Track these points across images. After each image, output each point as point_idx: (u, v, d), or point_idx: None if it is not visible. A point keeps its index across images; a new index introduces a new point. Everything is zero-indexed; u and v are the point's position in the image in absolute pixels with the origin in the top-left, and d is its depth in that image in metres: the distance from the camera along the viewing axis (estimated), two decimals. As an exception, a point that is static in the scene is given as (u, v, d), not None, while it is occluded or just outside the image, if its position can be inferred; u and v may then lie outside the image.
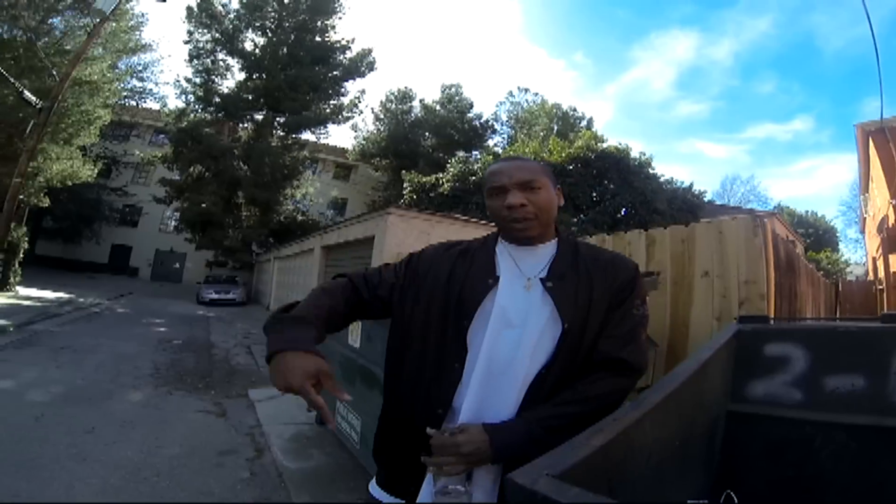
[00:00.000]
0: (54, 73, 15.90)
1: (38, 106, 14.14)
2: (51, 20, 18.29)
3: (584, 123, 33.38)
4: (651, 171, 18.76)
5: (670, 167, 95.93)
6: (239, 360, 8.08)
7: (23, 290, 14.34)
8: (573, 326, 1.11)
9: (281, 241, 22.76)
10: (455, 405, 1.12)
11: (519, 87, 46.13)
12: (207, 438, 4.20)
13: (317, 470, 3.69)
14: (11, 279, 14.26)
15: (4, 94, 16.24)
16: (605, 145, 19.14)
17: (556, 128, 31.65)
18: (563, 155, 18.58)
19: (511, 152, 20.77)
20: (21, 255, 15.14)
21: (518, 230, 1.19)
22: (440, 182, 19.64)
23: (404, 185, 21.31)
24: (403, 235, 8.75)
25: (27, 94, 13.98)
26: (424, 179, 20.31)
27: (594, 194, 18.18)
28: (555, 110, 33.50)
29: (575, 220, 16.99)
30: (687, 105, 79.71)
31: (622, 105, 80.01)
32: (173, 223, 31.64)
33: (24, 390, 5.03)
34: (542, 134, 29.18)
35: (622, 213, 17.80)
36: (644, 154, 19.00)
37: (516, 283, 1.18)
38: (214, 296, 20.12)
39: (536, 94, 36.22)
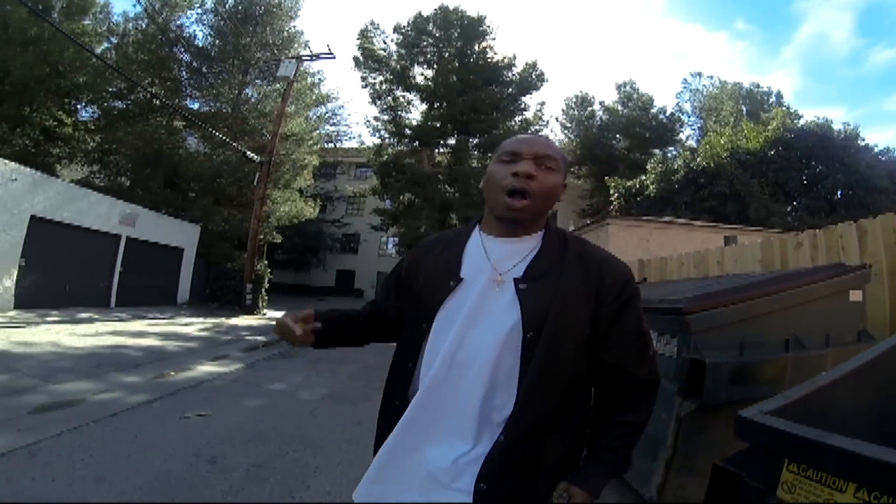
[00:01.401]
0: (265, 132, 19.56)
1: (259, 161, 16.94)
2: (245, 90, 23.17)
3: (772, 99, 29.99)
4: (861, 143, 16.56)
5: (884, 133, 78.12)
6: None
7: (270, 313, 17.64)
8: (538, 336, 1.02)
9: None
10: (410, 401, 1.10)
11: (691, 73, 43.63)
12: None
13: None
14: (260, 304, 17.94)
15: (227, 154, 20.82)
16: (801, 122, 17.52)
17: (744, 109, 29.01)
18: (761, 140, 17.32)
19: (707, 146, 19.70)
20: (266, 284, 18.89)
21: (511, 202, 1.09)
22: (644, 185, 19.46)
23: (610, 191, 21.37)
24: (624, 244, 8.90)
25: (249, 153, 17.19)
26: (629, 184, 20.23)
27: (803, 178, 16.62)
28: (737, 90, 30.70)
29: (788, 209, 15.76)
30: (879, 52, 65.67)
31: (806, 68, 69.53)
32: (392, 247, 35.23)
33: (295, 391, 6.08)
34: (731, 119, 26.98)
35: (838, 195, 16.03)
36: (848, 125, 16.89)
37: (484, 281, 1.10)
38: None
39: (712, 77, 33.67)
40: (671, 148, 30.86)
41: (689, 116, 33.74)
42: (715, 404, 2.10)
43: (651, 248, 8.68)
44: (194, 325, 12.48)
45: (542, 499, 1.06)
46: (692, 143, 30.16)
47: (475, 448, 1.03)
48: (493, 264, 1.11)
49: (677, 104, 34.46)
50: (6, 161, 11.72)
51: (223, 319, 14.49)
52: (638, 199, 19.61)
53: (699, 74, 35.03)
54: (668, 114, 32.43)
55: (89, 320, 11.38)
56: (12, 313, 10.86)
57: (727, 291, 2.59)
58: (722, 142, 18.52)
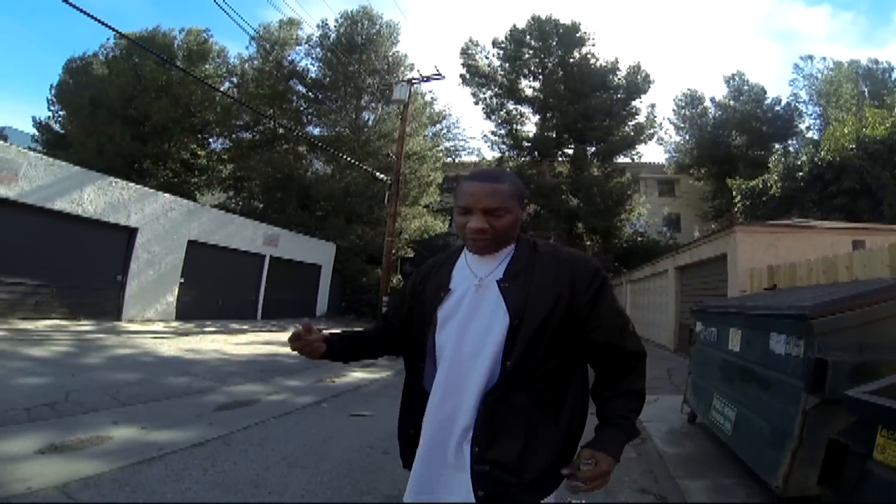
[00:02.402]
0: (388, 153, 20.42)
1: (387, 180, 17.81)
2: (362, 114, 24.69)
3: (895, 75, 26.66)
4: None
5: None
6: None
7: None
8: (521, 322, 1.20)
9: (626, 264, 23.72)
10: (427, 391, 1.31)
11: (801, 57, 38.95)
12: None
13: (689, 455, 4.31)
14: None
15: (354, 175, 22.27)
16: None
17: (865, 90, 26.09)
18: (888, 125, 15.54)
19: (830, 138, 18.20)
20: None
21: (476, 248, 1.30)
22: (768, 184, 18.43)
23: (732, 192, 20.51)
24: (752, 250, 8.90)
25: (377, 174, 18.37)
26: (751, 184, 19.26)
27: None
28: (854, 70, 27.55)
29: None
30: None
31: None
32: None
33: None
34: (853, 102, 24.46)
35: None
36: None
37: (468, 286, 1.30)
38: None
39: (825, 59, 30.21)
40: (792, 141, 28.52)
41: (807, 105, 30.86)
42: (836, 399, 2.36)
43: (780, 254, 8.46)
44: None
45: (536, 473, 1.20)
46: (813, 133, 27.78)
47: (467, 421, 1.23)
48: (475, 274, 1.31)
49: (792, 93, 32.03)
50: (165, 194, 13.89)
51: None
52: (763, 199, 18.53)
53: (810, 58, 31.30)
54: (783, 104, 30.01)
55: (242, 331, 13.02)
56: (175, 324, 12.74)
57: (848, 298, 2.81)
58: (846, 131, 16.98)
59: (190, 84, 22.45)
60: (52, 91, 25.08)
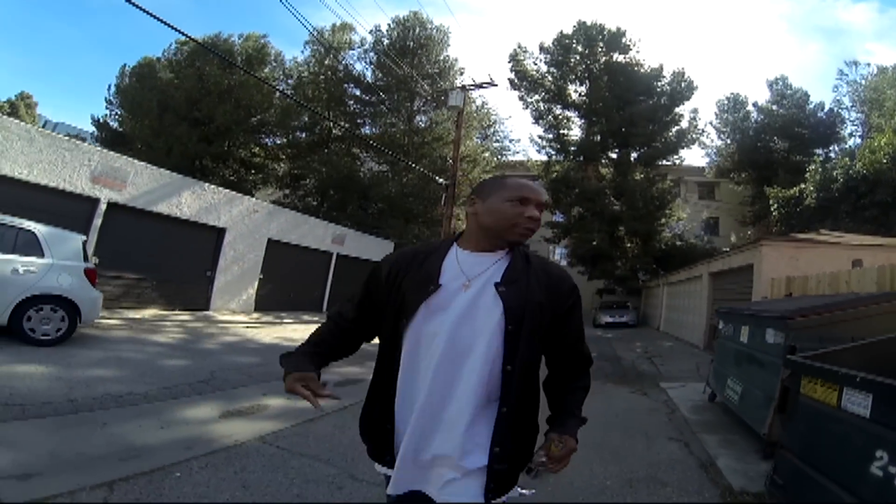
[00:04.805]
0: (444, 156, 21.64)
1: (443, 183, 18.74)
2: (416, 118, 25.94)
3: None
4: None
5: None
6: (644, 368, 10.44)
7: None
8: (518, 328, 1.27)
9: (664, 266, 24.46)
10: (396, 392, 1.32)
11: (846, 62, 38.66)
12: (640, 404, 6.67)
13: (707, 420, 5.66)
14: None
15: (410, 177, 23.43)
16: None
17: None
18: None
19: (866, 150, 18.35)
20: None
21: (521, 236, 1.35)
22: (804, 194, 19.06)
23: (770, 200, 21.07)
24: (776, 262, 9.98)
25: (436, 177, 19.42)
26: (788, 194, 19.88)
27: None
28: None
29: None
30: None
31: None
32: (558, 256, 34.67)
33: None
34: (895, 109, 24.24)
35: None
36: None
37: (457, 287, 1.32)
38: (609, 319, 22.48)
39: (869, 65, 29.87)
40: (833, 146, 28.58)
41: (849, 111, 30.65)
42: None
43: (800, 266, 9.41)
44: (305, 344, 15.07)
45: (528, 459, 1.32)
46: (856, 140, 27.76)
47: (479, 421, 1.27)
48: (465, 272, 1.34)
49: (835, 98, 31.41)
50: (250, 197, 15.47)
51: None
52: (798, 209, 19.22)
53: (855, 63, 31.01)
54: (826, 110, 29.96)
55: (315, 322, 14.04)
56: (256, 315, 14.14)
57: (819, 307, 4.16)
58: (882, 144, 17.38)
59: (250, 87, 24.06)
60: (111, 91, 26.96)
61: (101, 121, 27.47)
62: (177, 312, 12.09)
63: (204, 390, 5.34)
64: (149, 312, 11.31)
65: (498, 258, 1.38)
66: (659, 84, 28.69)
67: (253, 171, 27.38)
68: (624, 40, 28.89)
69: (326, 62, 26.65)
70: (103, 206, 10.71)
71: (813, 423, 2.73)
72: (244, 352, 8.18)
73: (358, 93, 27.37)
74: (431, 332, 1.29)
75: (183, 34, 10.12)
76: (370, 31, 26.93)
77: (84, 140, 18.41)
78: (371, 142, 23.15)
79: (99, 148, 11.21)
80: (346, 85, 27.09)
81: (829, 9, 64.65)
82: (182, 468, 3.24)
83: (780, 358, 3.98)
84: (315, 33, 23.38)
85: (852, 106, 30.63)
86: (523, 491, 1.32)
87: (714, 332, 7.43)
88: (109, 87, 27.31)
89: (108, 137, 26.28)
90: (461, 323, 1.28)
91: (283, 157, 28.21)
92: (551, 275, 1.39)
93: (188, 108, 23.46)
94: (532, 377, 1.36)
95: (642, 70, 28.70)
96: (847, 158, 19.79)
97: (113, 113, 27.15)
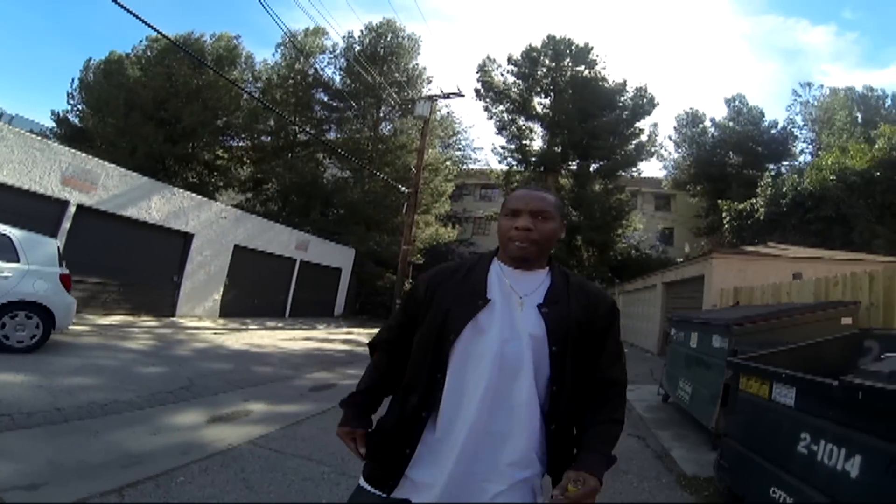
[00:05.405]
0: (406, 164, 21.74)
1: (406, 191, 18.97)
2: (381, 125, 25.96)
3: (888, 102, 28.59)
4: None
5: None
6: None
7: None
8: (562, 349, 1.28)
9: (620, 275, 25.24)
10: (439, 410, 1.29)
11: (801, 83, 41.03)
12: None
13: (661, 418, 6.18)
14: None
15: (373, 184, 23.44)
16: None
17: (858, 116, 27.75)
18: (867, 160, 17.32)
19: (814, 169, 19.80)
20: None
21: (518, 248, 1.34)
22: (755, 208, 20.09)
23: (722, 213, 22.02)
24: (725, 273, 10.67)
25: (399, 186, 19.62)
26: (740, 207, 20.88)
27: None
28: (849, 97, 29.27)
29: None
30: None
31: None
32: None
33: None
34: (845, 129, 26.17)
35: None
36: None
37: (510, 301, 1.33)
38: None
39: (822, 87, 32.21)
40: (785, 162, 30.48)
41: (801, 130, 32.87)
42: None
43: (747, 277, 10.15)
44: (363, 334, 15.12)
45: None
46: (806, 157, 29.72)
47: (529, 437, 1.27)
48: (514, 290, 1.34)
49: (788, 117, 33.50)
50: (218, 203, 15.40)
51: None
52: (749, 221, 20.31)
53: (809, 84, 33.44)
54: (779, 128, 31.95)
55: (279, 328, 14.42)
56: (221, 321, 14.03)
57: (758, 315, 4.73)
58: (829, 163, 18.64)
59: (219, 88, 23.72)
60: (74, 85, 26.01)
61: (62, 116, 26.55)
62: (143, 318, 11.94)
63: (186, 397, 5.44)
64: (115, 318, 11.14)
65: (542, 276, 1.40)
66: (622, 99, 29.65)
67: (215, 174, 26.89)
68: (591, 55, 29.80)
69: (297, 66, 26.43)
70: (72, 209, 10.56)
71: (751, 413, 3.22)
72: (216, 358, 8.25)
73: (325, 98, 27.32)
74: (480, 352, 1.29)
75: (155, 29, 9.94)
76: (343, 37, 26.72)
77: (46, 137, 17.94)
78: (336, 148, 23.15)
79: (70, 149, 10.94)
80: (314, 90, 26.99)
81: (790, 30, 68.10)
82: (184, 472, 3.38)
83: (724, 361, 4.47)
84: (289, 35, 23.03)
85: (804, 125, 32.65)
86: None
87: (667, 339, 8.02)
88: (73, 81, 26.46)
89: (68, 134, 25.36)
90: (508, 342, 1.28)
91: (248, 160, 27.84)
92: (590, 294, 1.40)
93: (155, 107, 22.95)
94: (579, 398, 1.36)
95: (607, 85, 29.61)
96: (796, 175, 21.02)
97: (75, 108, 26.27)
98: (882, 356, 3.22)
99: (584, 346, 1.33)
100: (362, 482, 1.37)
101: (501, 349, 1.27)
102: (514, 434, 1.26)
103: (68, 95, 26.26)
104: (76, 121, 26.15)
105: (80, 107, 25.98)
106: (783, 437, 2.76)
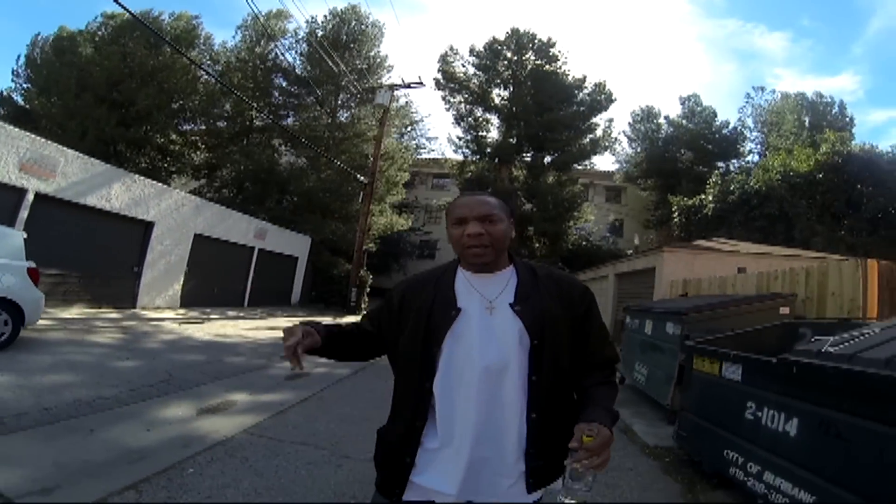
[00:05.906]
0: (363, 151, 21.67)
1: (362, 179, 18.90)
2: (339, 113, 25.65)
3: (835, 110, 30.44)
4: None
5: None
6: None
7: (368, 311, 20.91)
8: (541, 341, 1.29)
9: (571, 266, 25.68)
10: (429, 417, 1.33)
11: (754, 87, 43.44)
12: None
13: (620, 398, 6.20)
14: (362, 305, 20.91)
15: (330, 173, 23.17)
16: (853, 144, 18.58)
17: (807, 120, 29.43)
18: (811, 163, 18.51)
19: (761, 169, 20.93)
20: (368, 288, 21.76)
21: (475, 255, 1.34)
22: (704, 203, 21.04)
23: (672, 207, 22.83)
24: (674, 266, 11.26)
25: (358, 175, 19.57)
26: (689, 203, 21.80)
27: (848, 200, 17.82)
28: (800, 102, 30.99)
29: (840, 233, 16.95)
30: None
31: (877, 66, 61.76)
32: None
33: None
34: (793, 132, 27.76)
35: (880, 215, 17.15)
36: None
37: (480, 307, 1.34)
38: None
39: (774, 92, 34.08)
40: (734, 161, 31.78)
41: (752, 131, 34.40)
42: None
43: (695, 270, 10.83)
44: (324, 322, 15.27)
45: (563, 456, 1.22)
46: (754, 156, 31.19)
47: (520, 428, 1.30)
48: (483, 295, 1.37)
49: (740, 118, 34.82)
50: (179, 191, 15.07)
51: (337, 318, 16.54)
52: (697, 216, 21.36)
53: (762, 89, 35.08)
54: (731, 128, 33.26)
55: (240, 317, 14.37)
56: (182, 311, 13.84)
57: (707, 305, 5.30)
58: (775, 164, 19.83)
59: (176, 70, 22.70)
60: (20, 63, 24.76)
61: (5, 95, 25.14)
62: (105, 310, 11.63)
63: (168, 390, 5.45)
64: (77, 311, 10.86)
65: (508, 275, 1.41)
66: (580, 94, 30.27)
67: (169, 159, 25.67)
68: (553, 50, 30.27)
69: (257, 50, 25.74)
70: (30, 198, 10.15)
71: (703, 388, 3.74)
72: (188, 350, 8.29)
73: (284, 84, 26.73)
74: (463, 359, 1.31)
75: (119, 4, 9.41)
76: (306, 21, 26.07)
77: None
78: (293, 134, 22.79)
79: (28, 134, 10.40)
80: (273, 75, 26.34)
81: (748, 34, 70.45)
82: (192, 464, 3.43)
83: (677, 345, 5.04)
84: (254, 14, 21.85)
85: (755, 126, 34.24)
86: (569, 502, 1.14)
87: (621, 327, 8.61)
88: (18, 57, 25.01)
89: (11, 114, 23.75)
90: (488, 345, 1.30)
91: (202, 145, 26.81)
92: (561, 283, 1.42)
93: (108, 88, 21.65)
94: (563, 386, 1.37)
95: (567, 80, 30.19)
96: (744, 174, 22.18)
97: (19, 87, 24.86)
98: (812, 339, 3.75)
99: (567, 335, 1.35)
100: (376, 494, 1.42)
101: (483, 354, 1.30)
102: (509, 429, 1.29)
103: (13, 73, 24.95)
104: (20, 100, 24.78)
105: (25, 85, 24.66)
106: (732, 407, 3.28)
